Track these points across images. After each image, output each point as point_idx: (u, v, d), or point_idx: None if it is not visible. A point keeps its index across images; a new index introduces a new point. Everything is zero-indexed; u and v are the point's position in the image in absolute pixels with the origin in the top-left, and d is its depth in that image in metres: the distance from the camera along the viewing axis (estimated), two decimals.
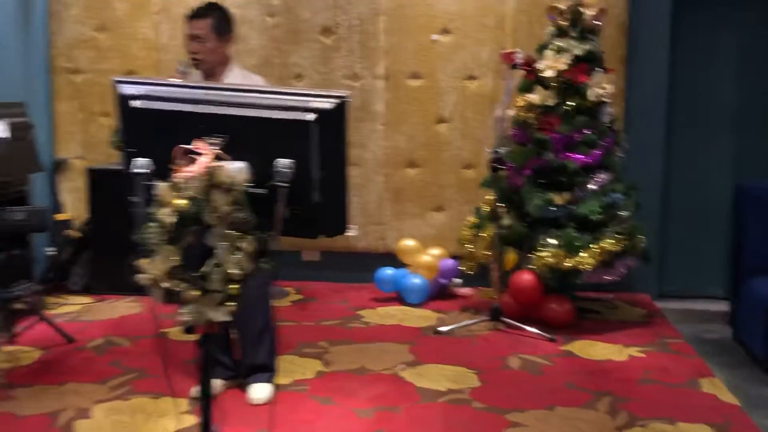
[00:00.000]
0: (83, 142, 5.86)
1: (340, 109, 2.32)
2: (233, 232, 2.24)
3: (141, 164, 2.36)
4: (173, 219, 2.24)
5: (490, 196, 4.92)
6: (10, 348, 4.15)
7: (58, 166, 5.84)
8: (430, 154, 5.63)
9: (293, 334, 4.49)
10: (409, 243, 5.46)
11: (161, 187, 2.25)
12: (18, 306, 4.44)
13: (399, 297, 5.29)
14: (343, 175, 2.43)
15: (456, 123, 5.58)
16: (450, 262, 5.37)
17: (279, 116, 2.33)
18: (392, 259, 5.53)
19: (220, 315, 2.29)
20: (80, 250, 5.52)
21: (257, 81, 3.71)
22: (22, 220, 3.25)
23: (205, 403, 2.44)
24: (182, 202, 2.23)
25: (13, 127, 3.72)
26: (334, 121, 2.32)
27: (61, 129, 5.88)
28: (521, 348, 4.30)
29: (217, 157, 2.27)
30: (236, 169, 2.28)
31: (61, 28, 5.78)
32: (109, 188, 5.27)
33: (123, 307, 5.05)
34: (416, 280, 5.22)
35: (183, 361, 3.82)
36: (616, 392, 3.70)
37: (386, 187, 5.68)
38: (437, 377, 3.85)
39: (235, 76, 3.69)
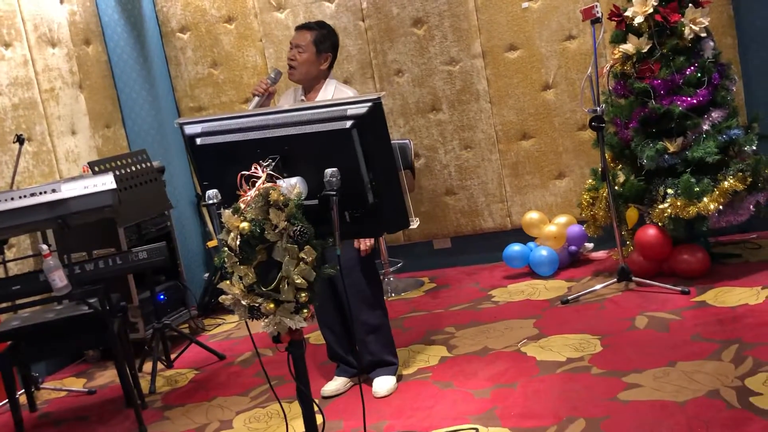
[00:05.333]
0: None
1: (375, 111, 2.42)
2: (293, 246, 2.39)
3: (211, 195, 2.58)
4: (239, 241, 2.44)
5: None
6: (168, 372, 4.58)
7: (201, 199, 6.31)
8: (541, 122, 5.55)
9: (423, 324, 4.62)
10: (533, 215, 5.41)
11: (225, 213, 2.46)
12: (173, 333, 4.87)
13: (530, 271, 5.27)
14: (394, 173, 2.53)
15: (562, 87, 5.47)
16: (577, 228, 5.28)
17: (321, 129, 2.47)
18: (522, 234, 5.52)
19: (297, 322, 2.47)
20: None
21: (349, 93, 3.84)
22: (144, 258, 3.59)
23: (307, 404, 2.63)
24: (244, 224, 2.41)
25: (136, 174, 4.10)
26: (371, 123, 2.42)
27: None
28: (651, 306, 4.17)
29: (271, 177, 2.44)
30: (288, 185, 2.44)
31: (180, 71, 6.24)
32: None
33: None
34: (543, 252, 5.17)
35: (318, 364, 4.07)
36: (745, 339, 3.51)
37: (503, 163, 5.67)
38: (560, 348, 3.83)
39: (327, 92, 3.84)
